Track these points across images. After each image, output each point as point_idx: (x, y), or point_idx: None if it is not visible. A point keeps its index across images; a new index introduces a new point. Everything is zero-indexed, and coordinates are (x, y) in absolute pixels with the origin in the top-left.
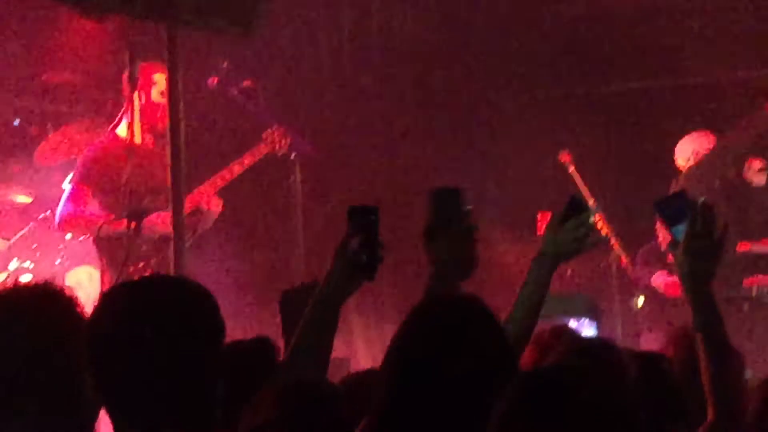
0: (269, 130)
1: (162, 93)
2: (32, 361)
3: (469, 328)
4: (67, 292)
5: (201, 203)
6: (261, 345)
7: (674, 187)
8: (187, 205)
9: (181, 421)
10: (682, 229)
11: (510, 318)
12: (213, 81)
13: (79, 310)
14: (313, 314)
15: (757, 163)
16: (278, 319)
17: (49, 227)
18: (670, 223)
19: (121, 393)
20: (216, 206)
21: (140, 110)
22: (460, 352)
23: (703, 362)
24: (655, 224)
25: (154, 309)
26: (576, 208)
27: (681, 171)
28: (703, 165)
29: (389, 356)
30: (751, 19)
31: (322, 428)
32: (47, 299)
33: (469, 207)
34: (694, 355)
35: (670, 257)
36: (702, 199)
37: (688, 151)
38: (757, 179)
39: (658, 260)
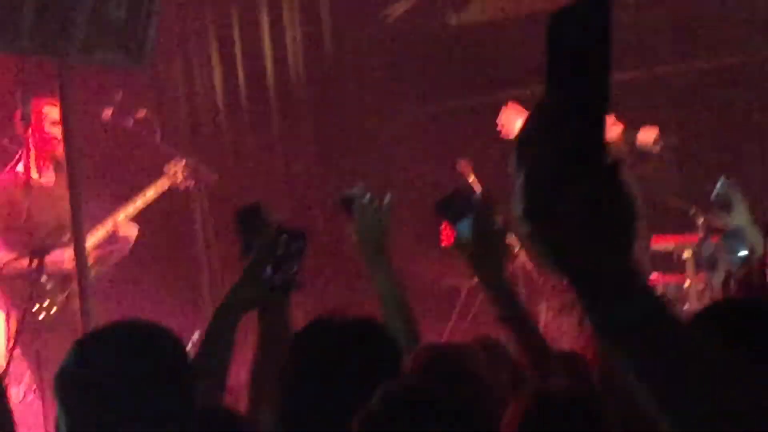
0: (171, 163)
1: (53, 123)
2: None
3: (358, 348)
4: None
5: (116, 229)
6: None
7: None
8: (102, 234)
9: None
10: (466, 225)
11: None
12: (107, 113)
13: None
14: (213, 325)
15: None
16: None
17: None
18: (454, 221)
19: None
20: (132, 232)
21: (36, 145)
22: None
23: (520, 353)
24: None
25: (125, 356)
26: (350, 202)
27: None
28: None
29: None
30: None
31: None
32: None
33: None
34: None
35: None
36: (479, 193)
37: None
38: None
39: None
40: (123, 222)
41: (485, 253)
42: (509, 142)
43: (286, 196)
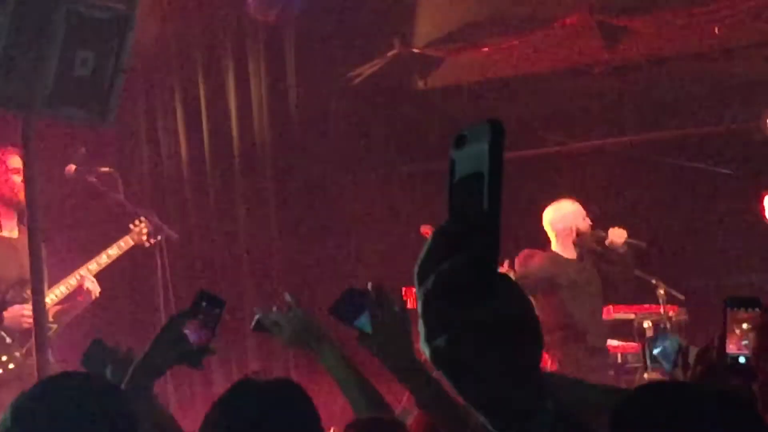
0: (136, 221)
1: (15, 170)
2: None
3: (281, 412)
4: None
5: (81, 284)
6: None
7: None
8: (63, 289)
9: None
10: (364, 320)
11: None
12: (70, 168)
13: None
14: (131, 382)
15: (619, 231)
16: None
17: None
18: (350, 320)
19: None
20: (94, 288)
21: None
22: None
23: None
24: None
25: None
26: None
27: (552, 236)
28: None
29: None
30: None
31: None
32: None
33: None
34: None
35: None
36: (369, 284)
37: (567, 222)
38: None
39: None
40: (87, 277)
41: (388, 343)
42: None
43: (248, 255)
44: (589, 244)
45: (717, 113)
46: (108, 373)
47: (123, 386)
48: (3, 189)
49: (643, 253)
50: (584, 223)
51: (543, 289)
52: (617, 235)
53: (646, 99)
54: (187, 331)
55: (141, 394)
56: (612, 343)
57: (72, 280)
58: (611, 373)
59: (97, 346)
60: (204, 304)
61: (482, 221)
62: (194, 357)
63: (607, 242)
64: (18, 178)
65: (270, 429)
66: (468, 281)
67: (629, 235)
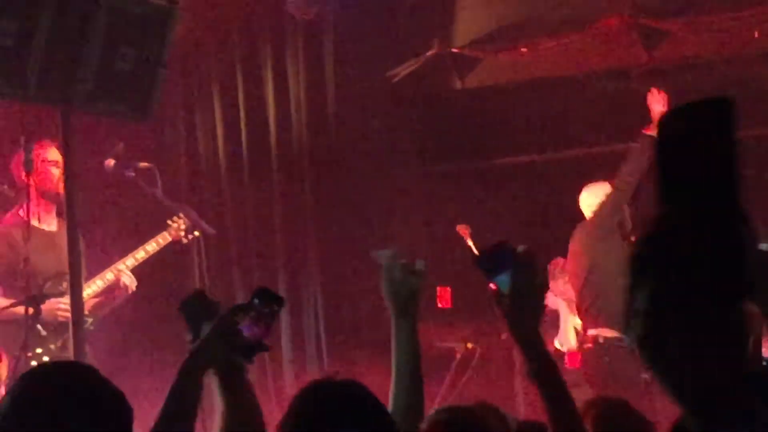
0: (174, 217)
1: (53, 163)
2: None
3: (350, 414)
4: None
5: (118, 278)
6: None
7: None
8: (101, 283)
9: None
10: (504, 279)
11: (394, 391)
12: (109, 163)
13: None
14: (180, 378)
15: None
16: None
17: None
18: (491, 275)
19: None
20: (131, 282)
21: (37, 189)
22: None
23: (545, 412)
24: None
25: (56, 397)
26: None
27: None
28: (608, 208)
29: None
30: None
31: None
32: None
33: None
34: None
35: None
36: (521, 247)
37: (600, 198)
38: None
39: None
40: (124, 271)
41: (521, 309)
42: (505, 208)
43: (284, 253)
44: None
45: (759, 117)
46: (202, 329)
47: (177, 373)
48: (41, 181)
49: None
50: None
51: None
52: None
53: (684, 102)
54: (241, 326)
55: (191, 382)
56: None
57: (109, 275)
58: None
59: (198, 296)
60: (261, 300)
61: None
62: (247, 351)
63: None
64: (56, 171)
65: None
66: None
67: None
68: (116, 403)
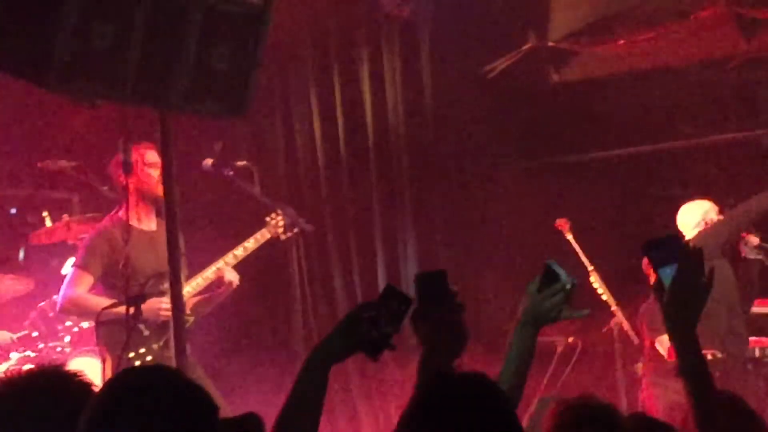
0: (272, 215)
1: (151, 165)
2: None
3: (478, 405)
4: (80, 375)
5: (221, 275)
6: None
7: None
8: (200, 281)
9: None
10: (669, 272)
11: (499, 382)
12: (207, 162)
13: (93, 393)
14: (305, 372)
15: (753, 239)
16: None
17: (50, 314)
18: (657, 265)
19: None
20: (234, 278)
21: (136, 191)
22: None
23: (691, 407)
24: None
25: (147, 398)
26: (552, 275)
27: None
28: (709, 232)
29: None
30: (735, 83)
31: None
32: (60, 383)
33: (455, 287)
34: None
35: None
36: (691, 242)
37: (697, 217)
38: (752, 255)
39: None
40: (226, 268)
41: (681, 304)
42: (605, 203)
43: (383, 252)
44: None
45: None
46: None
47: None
48: (141, 183)
49: None
50: (712, 212)
51: None
52: (750, 239)
53: None
54: (369, 321)
55: (316, 376)
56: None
57: (209, 273)
58: (749, 367)
59: (440, 275)
60: (390, 299)
61: None
62: (373, 348)
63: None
64: (155, 173)
65: (468, 424)
66: None
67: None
68: (200, 404)
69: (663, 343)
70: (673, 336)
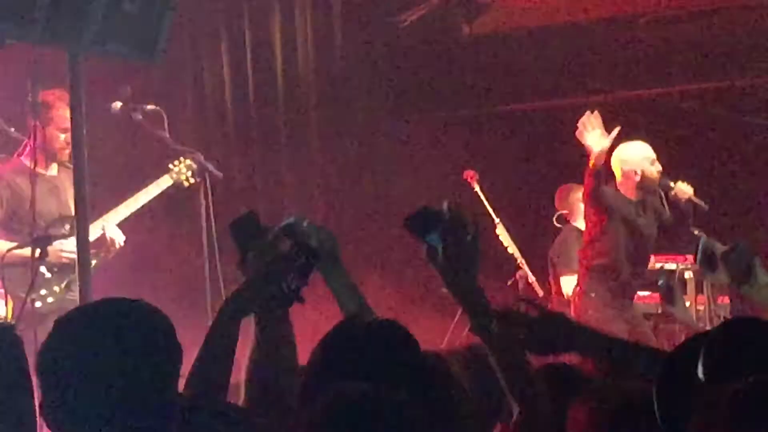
0: (176, 161)
1: (61, 129)
2: None
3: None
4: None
5: (104, 233)
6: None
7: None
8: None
9: None
10: (435, 238)
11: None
12: (116, 106)
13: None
14: (216, 325)
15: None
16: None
17: None
18: (422, 234)
19: (73, 421)
20: (119, 237)
21: (42, 141)
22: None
23: (493, 360)
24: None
25: (113, 334)
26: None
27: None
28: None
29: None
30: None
31: None
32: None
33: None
34: None
35: None
36: (446, 204)
37: (634, 163)
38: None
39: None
40: (109, 227)
41: (455, 265)
42: (513, 156)
43: (290, 198)
44: (652, 189)
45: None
46: (249, 255)
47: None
48: (47, 141)
49: (703, 213)
50: (652, 167)
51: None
52: (683, 190)
53: (693, 50)
54: (286, 273)
55: (230, 326)
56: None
57: (97, 229)
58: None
59: (248, 218)
60: (299, 252)
61: None
62: (284, 301)
63: (671, 194)
64: (63, 137)
65: (379, 371)
66: None
67: (695, 193)
68: (171, 338)
69: (567, 284)
70: (458, 297)
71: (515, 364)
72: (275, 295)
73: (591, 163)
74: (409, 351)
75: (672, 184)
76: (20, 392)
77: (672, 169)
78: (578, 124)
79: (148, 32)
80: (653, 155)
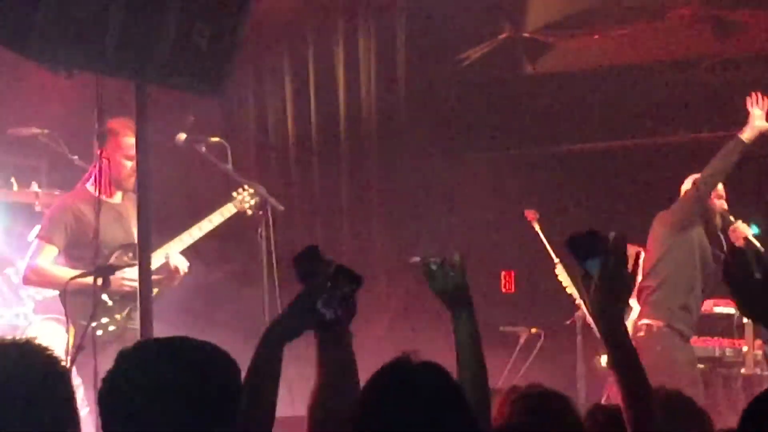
0: (239, 189)
1: (128, 156)
2: (12, 415)
3: (430, 393)
4: (48, 349)
5: (167, 260)
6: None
7: None
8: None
9: None
10: (593, 264)
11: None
12: (180, 137)
13: (60, 366)
14: (261, 348)
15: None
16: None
17: (13, 282)
18: (582, 258)
19: None
20: (183, 265)
21: (107, 169)
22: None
23: (621, 400)
24: None
25: (178, 371)
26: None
27: None
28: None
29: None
30: (707, 83)
31: None
32: (27, 355)
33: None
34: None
35: None
36: (613, 234)
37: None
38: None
39: None
40: (173, 254)
41: (608, 296)
42: (574, 196)
43: (350, 232)
44: (713, 221)
45: None
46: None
47: (257, 349)
48: (112, 169)
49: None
50: (717, 202)
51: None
52: (742, 229)
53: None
54: (319, 305)
55: (272, 353)
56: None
57: (160, 258)
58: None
59: (311, 252)
60: (339, 279)
61: None
62: (323, 329)
63: (730, 229)
64: (129, 164)
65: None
66: None
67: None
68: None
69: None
70: (600, 326)
71: (642, 396)
72: (313, 323)
73: (745, 136)
74: (453, 392)
75: (732, 220)
76: (65, 424)
77: (742, 208)
78: (752, 94)
79: (215, 67)
80: (722, 191)
